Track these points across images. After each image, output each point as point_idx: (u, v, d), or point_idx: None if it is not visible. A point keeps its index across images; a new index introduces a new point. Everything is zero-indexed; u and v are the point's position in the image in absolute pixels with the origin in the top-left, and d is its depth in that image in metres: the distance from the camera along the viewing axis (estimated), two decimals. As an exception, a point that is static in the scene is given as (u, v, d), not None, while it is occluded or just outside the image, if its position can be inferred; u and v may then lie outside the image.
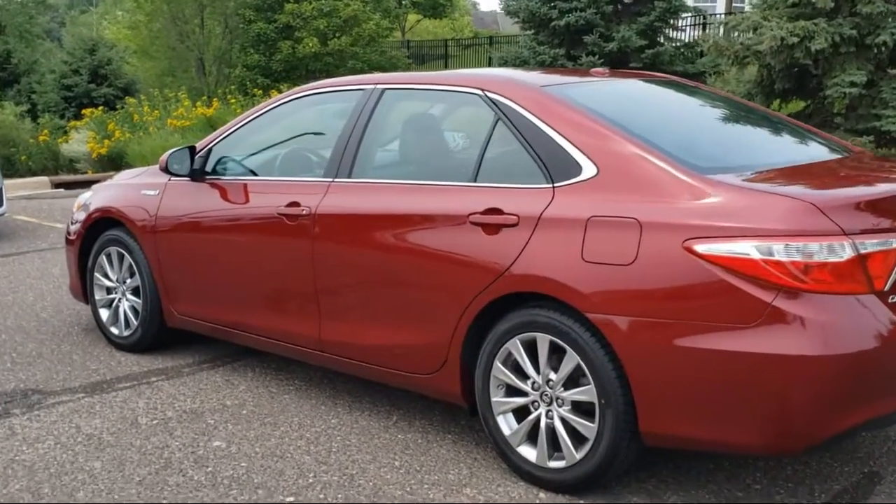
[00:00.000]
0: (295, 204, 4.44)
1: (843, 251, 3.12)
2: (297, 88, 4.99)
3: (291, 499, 3.66)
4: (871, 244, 3.16)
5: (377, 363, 4.26)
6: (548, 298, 3.57)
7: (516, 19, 15.62)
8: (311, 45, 24.30)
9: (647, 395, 3.34)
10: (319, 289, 4.38)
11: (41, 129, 18.29)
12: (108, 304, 5.62)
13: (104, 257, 5.57)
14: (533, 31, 15.51)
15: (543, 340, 3.59)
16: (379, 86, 4.50)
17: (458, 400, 4.00)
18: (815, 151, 4.14)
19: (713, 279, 3.18)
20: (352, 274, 4.27)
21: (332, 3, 24.64)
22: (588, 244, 3.44)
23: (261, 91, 20.23)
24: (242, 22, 25.13)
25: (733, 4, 22.01)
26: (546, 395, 3.63)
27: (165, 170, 5.06)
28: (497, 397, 3.78)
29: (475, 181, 3.93)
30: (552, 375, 3.60)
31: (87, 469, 3.94)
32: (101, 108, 19.34)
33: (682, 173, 3.39)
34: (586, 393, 3.50)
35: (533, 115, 3.82)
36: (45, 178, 15.22)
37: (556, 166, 3.67)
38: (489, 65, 26.98)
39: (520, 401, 3.72)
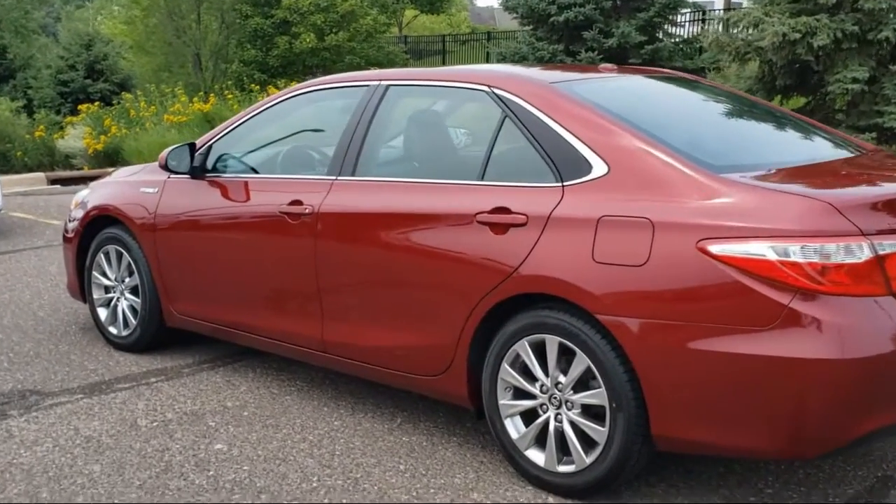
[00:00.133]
0: (297, 202, 4.36)
1: (861, 252, 3.06)
2: (298, 85, 4.91)
3: (295, 504, 3.60)
4: (889, 245, 3.10)
5: (381, 364, 4.19)
6: (557, 300, 3.49)
7: (515, 15, 15.55)
8: (308, 40, 24.19)
9: (660, 399, 3.27)
10: (322, 288, 4.30)
11: (37, 125, 18.19)
12: (107, 304, 5.54)
13: (102, 256, 5.49)
14: (532, 27, 15.45)
15: (552, 342, 3.52)
16: (383, 82, 4.42)
17: (464, 402, 3.93)
18: (828, 149, 4.07)
19: (728, 281, 3.11)
20: (355, 274, 4.19)
21: (330, -1, 24.55)
22: (599, 244, 3.37)
23: (258, 86, 20.12)
24: (239, 17, 25.00)
25: (732, 0, 21.93)
26: (555, 398, 3.56)
27: (165, 167, 4.98)
28: (504, 400, 3.71)
29: (482, 180, 3.85)
30: (561, 378, 3.54)
31: (86, 473, 3.86)
32: (97, 103, 19.24)
33: (696, 172, 3.32)
34: (596, 396, 3.43)
35: (541, 111, 3.75)
36: (41, 175, 15.14)
37: (565, 164, 3.60)
38: (487, 60, 26.93)
39: (528, 404, 3.66)
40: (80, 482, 3.78)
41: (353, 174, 4.29)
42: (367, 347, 4.21)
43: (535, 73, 4.38)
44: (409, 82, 4.50)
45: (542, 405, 3.61)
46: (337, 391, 4.75)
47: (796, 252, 3.04)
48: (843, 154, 4.01)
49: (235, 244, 4.76)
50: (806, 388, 3.05)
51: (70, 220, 5.77)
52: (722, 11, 19.07)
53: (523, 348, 3.61)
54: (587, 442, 3.49)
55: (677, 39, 15.93)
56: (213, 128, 15.51)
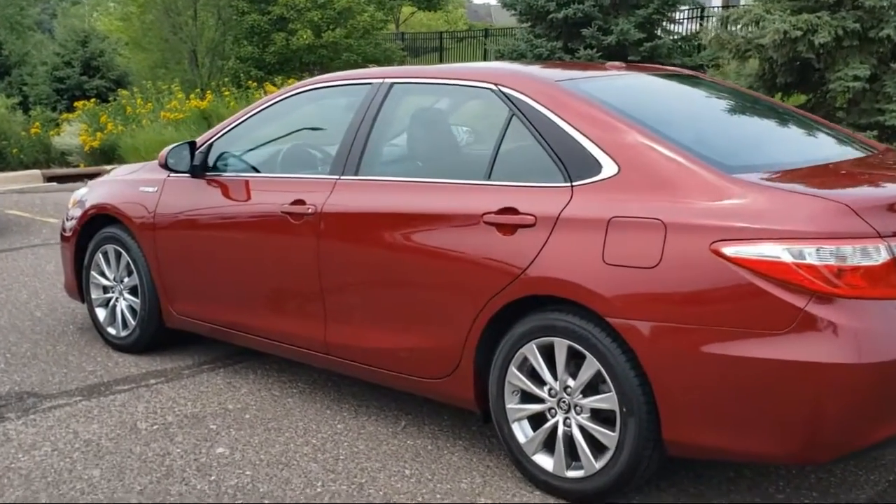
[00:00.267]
0: (300, 202, 4.29)
1: (878, 254, 3.00)
2: (300, 83, 4.84)
3: (299, 509, 3.54)
4: (906, 247, 3.03)
5: (385, 367, 4.12)
6: (566, 302, 3.43)
7: (513, 12, 15.47)
8: (305, 37, 24.08)
9: (672, 404, 3.21)
10: (325, 289, 4.23)
11: (33, 122, 18.11)
12: (105, 304, 5.47)
13: (101, 255, 5.42)
14: (530, 24, 15.37)
15: (561, 345, 3.46)
16: (387, 80, 4.35)
17: (470, 406, 3.87)
18: (840, 149, 4.01)
19: (742, 283, 3.05)
20: (359, 274, 4.13)
21: (326, -5, 24.45)
22: (609, 246, 3.30)
23: (255, 83, 20.03)
24: (236, 13, 24.89)
25: (730, -3, 21.90)
26: (564, 401, 3.50)
27: (164, 166, 4.90)
28: (512, 404, 3.65)
29: (489, 179, 3.78)
30: (570, 382, 3.47)
31: (85, 478, 3.79)
32: (93, 100, 19.17)
33: (708, 172, 3.26)
34: (607, 400, 3.36)
35: (550, 110, 3.68)
36: (37, 172, 15.04)
37: (574, 164, 3.54)
38: (485, 58, 26.85)
39: (536, 408, 3.59)
40: (79, 487, 3.71)
41: (356, 173, 4.22)
42: (370, 349, 4.14)
43: (543, 70, 4.31)
44: (413, 80, 4.42)
45: (550, 409, 3.55)
46: (339, 393, 4.68)
47: (812, 254, 2.98)
48: (855, 153, 3.95)
49: (236, 244, 4.69)
50: (821, 393, 3.00)
51: (68, 219, 5.69)
52: (720, 9, 19.02)
53: (531, 351, 3.55)
54: (597, 447, 3.43)
55: (676, 37, 15.87)
56: (209, 125, 15.48)
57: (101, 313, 5.47)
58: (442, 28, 38.37)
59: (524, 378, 3.59)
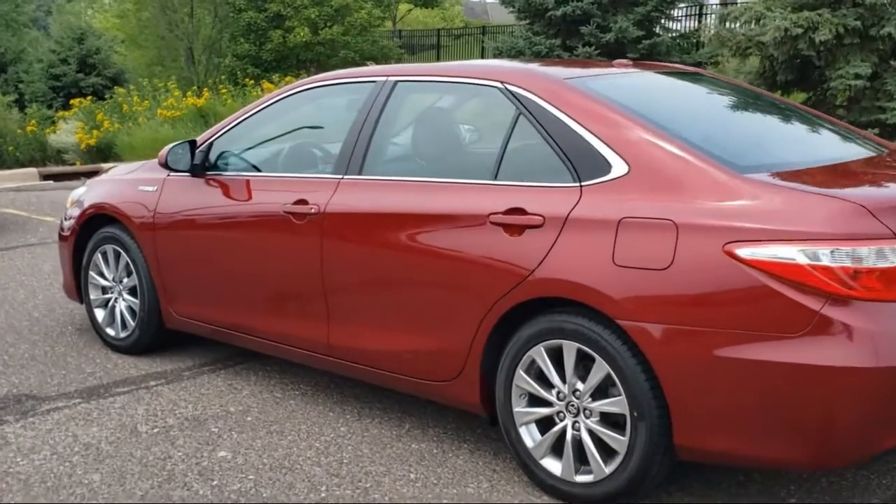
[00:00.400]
0: (302, 202, 4.23)
1: (894, 256, 2.94)
2: (302, 80, 4.77)
3: (303, 515, 3.48)
4: (923, 249, 2.98)
5: (389, 369, 4.06)
6: (575, 304, 3.37)
7: (512, 9, 15.41)
8: (302, 34, 24.03)
9: (683, 408, 3.16)
10: (328, 290, 4.17)
11: (29, 120, 18.04)
12: (104, 304, 5.40)
13: (99, 255, 5.35)
14: (528, 22, 15.31)
15: (570, 348, 3.40)
16: (391, 78, 4.28)
17: (476, 409, 3.81)
18: (851, 148, 3.95)
19: (756, 285, 2.99)
20: (363, 275, 4.07)
21: (324, -8, 24.40)
22: (620, 247, 3.24)
23: (251, 81, 19.96)
24: (232, 11, 24.84)
25: (729, -6, 21.83)
26: (572, 405, 3.44)
27: (164, 165, 4.83)
28: (519, 407, 3.59)
29: (495, 179, 3.72)
30: (579, 385, 3.41)
31: (85, 482, 3.73)
32: (89, 97, 19.07)
33: (721, 172, 3.20)
34: (617, 404, 3.31)
35: (558, 109, 3.62)
36: (33, 170, 14.94)
37: (583, 164, 3.48)
38: (482, 55, 26.76)
39: (544, 411, 3.53)
40: (79, 492, 3.65)
41: (360, 173, 4.16)
42: (373, 351, 4.08)
43: (551, 68, 4.24)
44: (418, 78, 4.35)
45: (558, 413, 3.49)
46: (342, 395, 4.62)
47: (827, 256, 2.93)
48: (866, 153, 3.89)
49: (237, 244, 4.62)
50: (837, 397, 2.94)
51: (66, 219, 5.62)
52: (719, 6, 18.99)
53: (539, 354, 3.49)
54: (606, 451, 3.37)
55: (675, 34, 15.82)
56: (206, 122, 15.39)
57: (100, 314, 5.40)
58: (439, 25, 38.29)
59: (532, 381, 3.53)
